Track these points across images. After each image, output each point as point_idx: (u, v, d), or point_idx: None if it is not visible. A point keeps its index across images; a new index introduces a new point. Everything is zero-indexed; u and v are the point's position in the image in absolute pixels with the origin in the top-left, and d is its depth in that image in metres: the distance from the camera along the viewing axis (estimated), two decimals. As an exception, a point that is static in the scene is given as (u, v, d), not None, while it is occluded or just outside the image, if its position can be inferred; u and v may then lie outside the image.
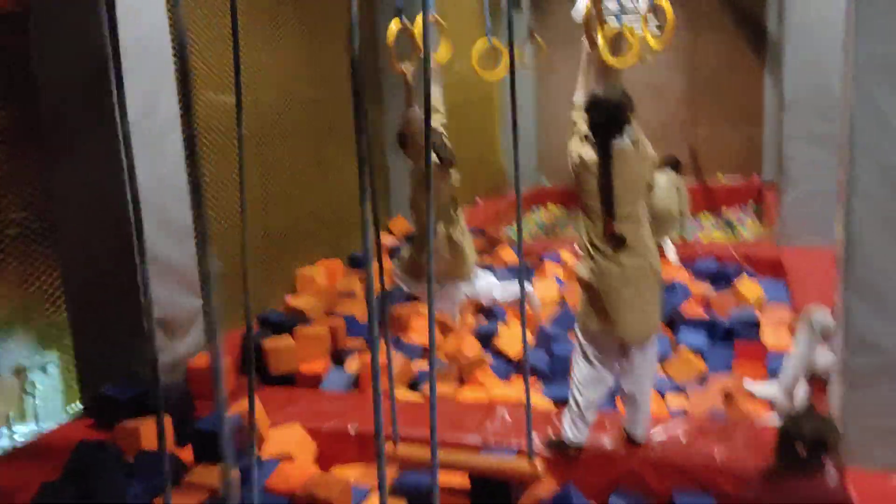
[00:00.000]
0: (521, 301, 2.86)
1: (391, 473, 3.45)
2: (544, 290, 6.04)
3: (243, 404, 3.85)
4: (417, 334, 5.31)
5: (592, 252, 3.18)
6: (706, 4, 10.01)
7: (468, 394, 4.29)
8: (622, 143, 3.12)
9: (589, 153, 3.17)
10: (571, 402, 3.34)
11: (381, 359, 4.35)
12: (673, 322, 5.31)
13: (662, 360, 4.73)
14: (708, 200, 9.80)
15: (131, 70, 3.77)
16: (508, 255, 6.78)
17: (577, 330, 3.31)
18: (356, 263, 6.48)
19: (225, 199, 4.95)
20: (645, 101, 9.76)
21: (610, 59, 3.45)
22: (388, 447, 3.26)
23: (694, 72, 10.30)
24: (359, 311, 5.35)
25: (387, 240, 6.97)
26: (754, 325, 5.03)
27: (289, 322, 4.91)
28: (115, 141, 3.71)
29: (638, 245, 3.14)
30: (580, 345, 3.30)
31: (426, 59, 1.83)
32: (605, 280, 3.12)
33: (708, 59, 10.11)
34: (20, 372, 4.68)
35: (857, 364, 2.93)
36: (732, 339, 4.96)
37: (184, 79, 1.16)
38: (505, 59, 5.78)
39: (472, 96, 9.34)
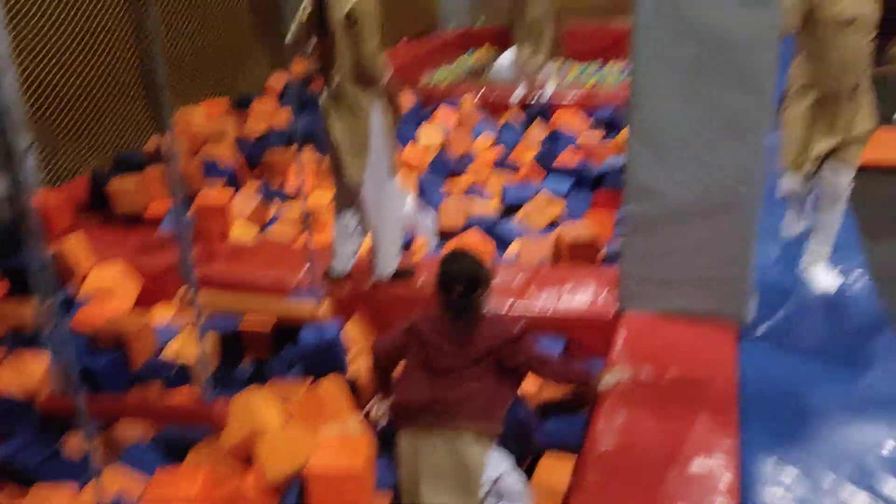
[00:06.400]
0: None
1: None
2: (429, 136, 5.90)
3: (67, 242, 3.83)
4: (291, 182, 5.20)
5: None
6: None
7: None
8: None
9: None
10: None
11: (221, 201, 4.30)
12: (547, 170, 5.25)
13: (521, 204, 4.69)
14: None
15: None
16: (406, 100, 6.53)
17: None
18: (243, 104, 6.24)
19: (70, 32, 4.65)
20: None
21: None
22: (189, 293, 3.23)
23: None
24: (225, 153, 5.20)
25: (281, 80, 6.68)
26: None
27: (143, 163, 4.77)
28: None
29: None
30: None
31: None
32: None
33: None
34: None
35: (637, 211, 2.88)
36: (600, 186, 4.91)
37: None
38: None
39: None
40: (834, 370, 2.68)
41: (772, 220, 3.07)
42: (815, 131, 3.06)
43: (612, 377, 2.42)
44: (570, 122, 6.30)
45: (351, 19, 3.07)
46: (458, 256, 2.34)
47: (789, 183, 3.22)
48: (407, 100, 6.52)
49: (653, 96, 2.72)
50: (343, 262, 3.52)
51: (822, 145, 3.04)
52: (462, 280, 2.22)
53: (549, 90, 6.86)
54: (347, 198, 3.42)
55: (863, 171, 3.15)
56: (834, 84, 2.99)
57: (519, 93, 6.91)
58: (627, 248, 2.96)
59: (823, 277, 3.16)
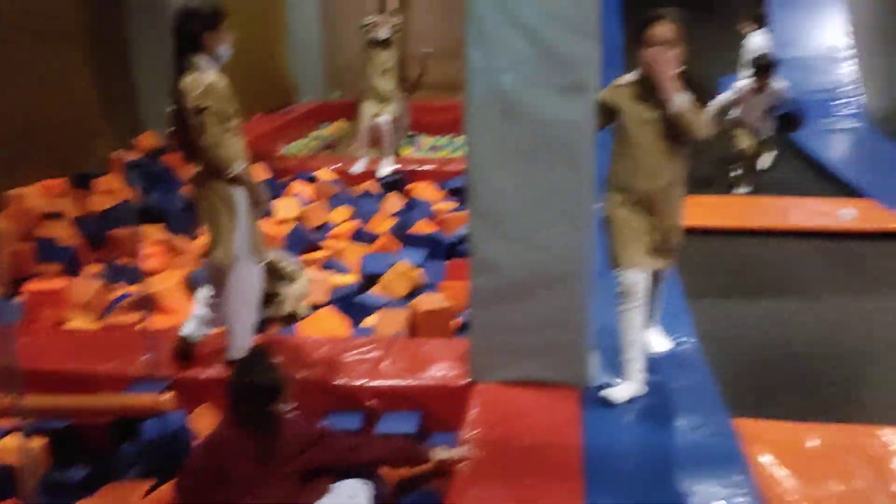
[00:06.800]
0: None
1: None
2: (285, 209, 5.86)
3: None
4: (141, 260, 4.96)
5: None
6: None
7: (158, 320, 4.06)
8: None
9: None
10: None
11: (55, 287, 4.05)
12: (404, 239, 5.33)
13: (380, 274, 4.69)
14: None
15: None
16: (260, 173, 6.48)
17: None
18: (84, 182, 5.95)
19: None
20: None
21: None
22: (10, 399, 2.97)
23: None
24: (64, 233, 4.92)
25: (128, 155, 6.44)
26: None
27: (-32, 248, 4.43)
28: None
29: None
30: None
31: None
32: None
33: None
34: None
35: (481, 284, 2.98)
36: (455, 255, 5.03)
37: None
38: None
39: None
40: (668, 430, 2.84)
41: (609, 287, 3.23)
42: (640, 231, 2.96)
43: (444, 452, 2.44)
44: (425, 192, 6.47)
45: (195, 112, 3.09)
46: (249, 366, 2.25)
47: (630, 278, 2.97)
48: (260, 173, 6.46)
49: (486, 174, 2.86)
50: (197, 328, 3.43)
51: (650, 242, 2.98)
52: (255, 393, 2.15)
53: (386, 166, 6.97)
54: (211, 275, 3.39)
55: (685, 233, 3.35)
56: (647, 184, 2.90)
57: (360, 166, 7.03)
58: (475, 320, 3.05)
59: (655, 340, 3.37)
